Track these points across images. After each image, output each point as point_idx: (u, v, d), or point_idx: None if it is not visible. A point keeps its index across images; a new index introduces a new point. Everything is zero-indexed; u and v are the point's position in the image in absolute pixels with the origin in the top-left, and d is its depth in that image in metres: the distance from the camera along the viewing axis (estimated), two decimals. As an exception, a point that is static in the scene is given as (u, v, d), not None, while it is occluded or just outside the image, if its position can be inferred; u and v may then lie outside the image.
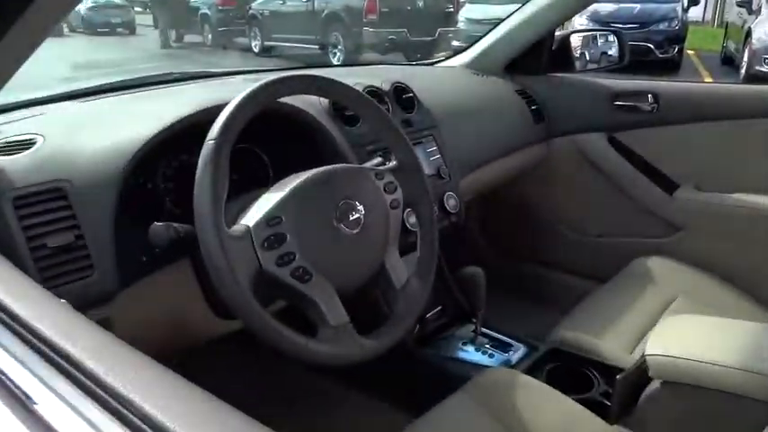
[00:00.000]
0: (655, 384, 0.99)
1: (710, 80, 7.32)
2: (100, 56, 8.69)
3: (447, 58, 1.89)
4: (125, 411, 0.41)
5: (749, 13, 7.47)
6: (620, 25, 7.11)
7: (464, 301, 1.42)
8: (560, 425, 0.98)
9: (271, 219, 0.78)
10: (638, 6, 8.17)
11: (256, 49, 9.73)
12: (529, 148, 1.71)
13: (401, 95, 1.35)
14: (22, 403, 0.45)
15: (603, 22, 7.22)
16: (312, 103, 1.15)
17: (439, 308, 1.42)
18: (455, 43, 7.69)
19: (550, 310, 1.48)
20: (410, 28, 8.25)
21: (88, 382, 0.43)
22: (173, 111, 0.97)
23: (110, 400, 0.42)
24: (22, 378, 0.46)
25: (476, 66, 1.78)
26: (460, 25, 8.42)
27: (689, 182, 1.64)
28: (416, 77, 1.47)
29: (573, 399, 1.01)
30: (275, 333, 0.75)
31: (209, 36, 10.48)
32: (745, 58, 6.88)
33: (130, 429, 0.40)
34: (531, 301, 1.75)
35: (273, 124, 1.09)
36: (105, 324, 0.89)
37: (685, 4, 8.58)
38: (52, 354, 0.46)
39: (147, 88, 1.25)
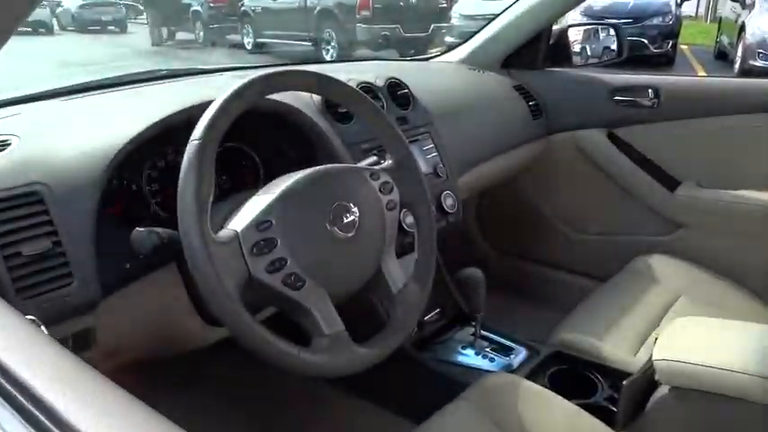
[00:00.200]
0: (663, 390, 0.96)
1: (704, 74, 7.34)
2: (87, 53, 8.58)
3: (442, 53, 1.85)
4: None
5: (743, 8, 7.48)
6: (614, 20, 7.09)
7: (463, 302, 1.39)
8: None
9: (260, 223, 0.74)
10: (631, 1, 8.21)
11: (248, 46, 9.67)
12: (527, 145, 1.68)
13: (396, 92, 1.31)
14: None
15: (598, 17, 7.23)
16: (304, 101, 1.11)
17: (437, 310, 1.39)
18: (449, 39, 7.67)
19: (551, 309, 1.44)
20: (403, 24, 8.22)
21: (42, 417, 0.38)
22: (158, 109, 0.93)
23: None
24: None
25: (472, 61, 1.75)
26: (454, 21, 8.39)
27: (691, 178, 1.61)
28: (411, 73, 1.43)
29: (576, 404, 0.99)
30: (266, 344, 0.71)
31: (201, 33, 10.41)
32: (739, 53, 6.92)
33: None
34: (530, 300, 1.73)
35: (264, 122, 1.05)
36: (86, 335, 0.85)
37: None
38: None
39: (132, 86, 1.20)
